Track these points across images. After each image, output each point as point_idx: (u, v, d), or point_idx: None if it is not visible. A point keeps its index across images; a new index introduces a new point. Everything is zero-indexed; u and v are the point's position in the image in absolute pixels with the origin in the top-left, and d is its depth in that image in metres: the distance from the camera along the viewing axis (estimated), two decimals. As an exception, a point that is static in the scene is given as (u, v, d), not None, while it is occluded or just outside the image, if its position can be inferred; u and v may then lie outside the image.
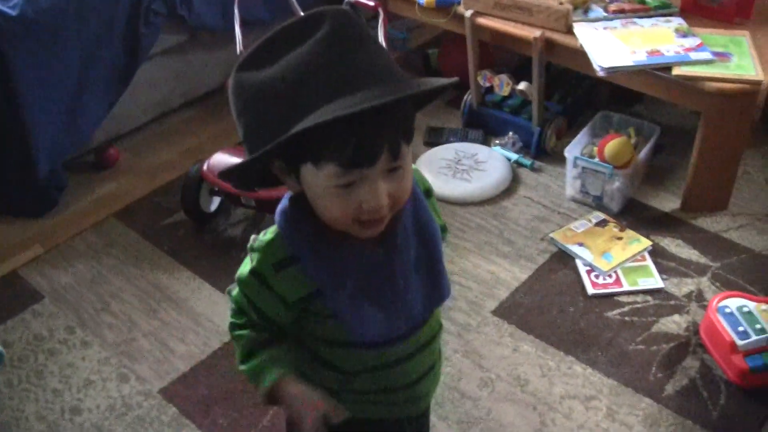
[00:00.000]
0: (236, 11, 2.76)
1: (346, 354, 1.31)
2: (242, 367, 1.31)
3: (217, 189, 2.66)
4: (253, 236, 1.27)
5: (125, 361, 2.32)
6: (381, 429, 1.43)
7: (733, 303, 2.28)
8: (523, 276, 2.54)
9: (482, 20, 2.89)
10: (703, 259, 2.57)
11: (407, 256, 1.25)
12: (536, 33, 2.76)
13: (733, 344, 2.16)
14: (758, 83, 2.47)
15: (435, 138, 3.11)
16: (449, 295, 1.33)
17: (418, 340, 1.33)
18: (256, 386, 1.29)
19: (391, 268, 1.24)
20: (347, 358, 1.32)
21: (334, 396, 1.29)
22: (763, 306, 2.27)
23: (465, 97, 3.16)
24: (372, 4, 2.77)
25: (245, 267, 1.25)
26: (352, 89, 1.05)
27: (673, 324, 2.35)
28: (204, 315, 2.44)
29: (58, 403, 2.21)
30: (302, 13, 2.60)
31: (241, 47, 2.79)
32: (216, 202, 2.75)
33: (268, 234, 1.23)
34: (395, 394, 1.38)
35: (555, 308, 2.42)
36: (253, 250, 1.24)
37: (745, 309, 2.26)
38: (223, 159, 2.61)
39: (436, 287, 1.31)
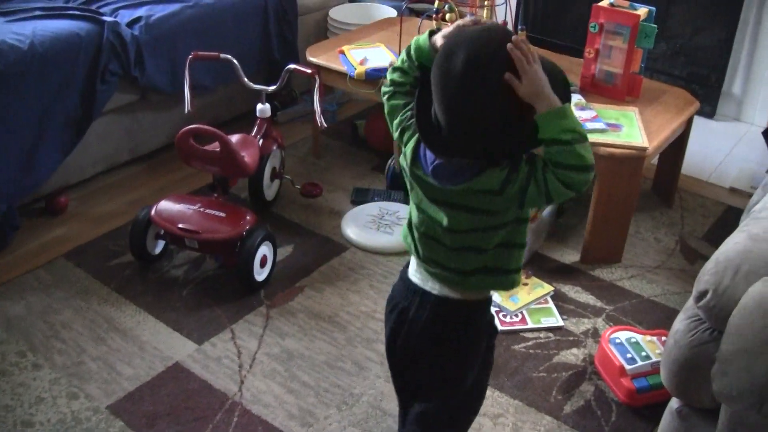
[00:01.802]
0: (187, 74, 3.05)
1: None
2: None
3: (162, 232, 2.90)
4: None
5: (75, 381, 2.50)
6: None
7: (623, 335, 2.60)
8: (440, 316, 2.82)
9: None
10: (599, 303, 2.90)
11: None
12: (453, 103, 3.10)
13: (622, 369, 2.47)
14: (644, 149, 2.85)
15: (361, 197, 3.42)
16: None
17: None
18: (418, 46, 1.67)
19: None
20: None
21: None
22: (648, 337, 2.60)
23: (389, 163, 3.48)
24: (309, 71, 3.09)
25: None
26: None
27: (572, 356, 2.66)
28: (149, 343, 2.65)
29: (10, 417, 2.37)
30: (245, 80, 2.93)
31: (190, 108, 3.07)
32: (161, 245, 2.98)
33: None
34: None
35: (468, 342, 2.70)
36: None
37: (633, 340, 2.58)
38: (170, 206, 2.86)
39: None
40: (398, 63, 1.73)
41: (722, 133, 4.14)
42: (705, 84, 4.22)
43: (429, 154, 1.59)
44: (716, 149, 3.97)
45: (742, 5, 4.02)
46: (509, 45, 1.48)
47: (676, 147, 3.27)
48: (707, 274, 1.95)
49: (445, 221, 1.63)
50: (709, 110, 4.18)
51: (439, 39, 1.61)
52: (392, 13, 4.32)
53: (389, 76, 1.75)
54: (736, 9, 4.04)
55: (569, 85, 1.59)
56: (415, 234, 1.74)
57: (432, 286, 1.73)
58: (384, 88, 1.76)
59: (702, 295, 1.93)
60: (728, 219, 3.42)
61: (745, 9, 4.04)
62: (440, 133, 1.54)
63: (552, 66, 1.56)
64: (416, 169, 1.63)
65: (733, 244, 2.02)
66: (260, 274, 2.87)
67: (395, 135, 1.72)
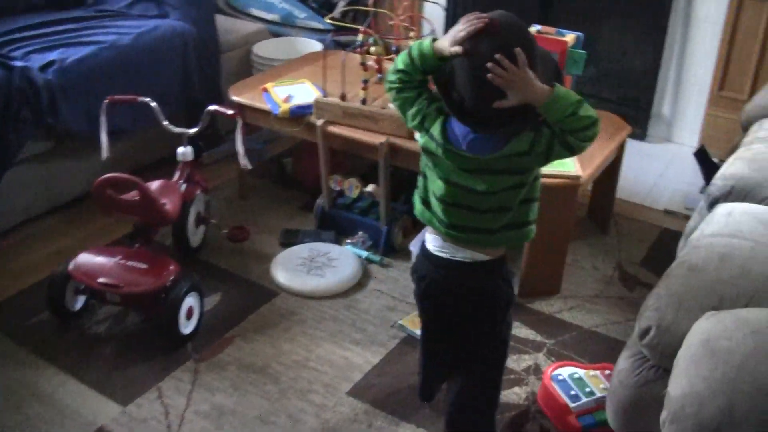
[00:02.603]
0: (103, 119, 2.91)
1: None
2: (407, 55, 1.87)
3: (82, 287, 2.75)
4: None
5: (-11, 455, 2.35)
6: None
7: (565, 371, 2.52)
8: (375, 360, 2.71)
9: (332, 128, 3.14)
10: (539, 338, 2.82)
11: None
12: (381, 139, 3.02)
13: (566, 407, 2.39)
14: (577, 178, 2.79)
15: (290, 239, 3.30)
16: None
17: None
18: (421, 53, 1.84)
19: None
20: None
21: None
22: (591, 372, 2.52)
23: (318, 201, 3.37)
24: (230, 112, 2.98)
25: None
26: None
27: (514, 395, 2.57)
28: (70, 407, 2.49)
29: None
30: (166, 123, 2.81)
31: (107, 154, 2.93)
32: (81, 300, 2.83)
33: None
34: None
35: (406, 387, 2.59)
36: None
37: (576, 375, 2.50)
38: (89, 259, 2.72)
39: None
40: (400, 65, 1.90)
41: (654, 154, 4.13)
42: (635, 106, 4.21)
43: (460, 131, 1.85)
44: (649, 171, 3.95)
45: (667, 27, 4.02)
46: (489, 74, 1.71)
47: (610, 172, 3.22)
48: (649, 309, 1.89)
49: (480, 186, 1.87)
50: (639, 132, 4.17)
51: (443, 44, 1.79)
52: (317, 46, 4.23)
53: (391, 77, 1.93)
54: (662, 31, 4.04)
55: (560, 69, 1.94)
56: (440, 206, 1.95)
57: (463, 256, 1.98)
58: (390, 84, 1.94)
59: (645, 332, 1.86)
60: (664, 242, 3.39)
61: (671, 31, 4.04)
62: (469, 112, 1.79)
63: (546, 53, 1.88)
64: (449, 146, 1.86)
65: (673, 277, 1.96)
66: (187, 327, 2.73)
67: (413, 123, 1.94)
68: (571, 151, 1.84)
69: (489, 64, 1.69)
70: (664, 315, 1.85)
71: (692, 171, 3.90)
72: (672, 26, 4.02)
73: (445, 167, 1.91)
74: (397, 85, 1.93)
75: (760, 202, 2.41)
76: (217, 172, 3.82)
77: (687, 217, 3.54)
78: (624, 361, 1.95)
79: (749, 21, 3.80)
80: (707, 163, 3.44)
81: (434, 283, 2.06)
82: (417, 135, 1.99)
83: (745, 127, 3.08)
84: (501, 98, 1.73)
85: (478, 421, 2.24)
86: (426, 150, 1.93)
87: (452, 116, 1.85)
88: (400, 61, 1.89)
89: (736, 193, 2.45)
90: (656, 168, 4.01)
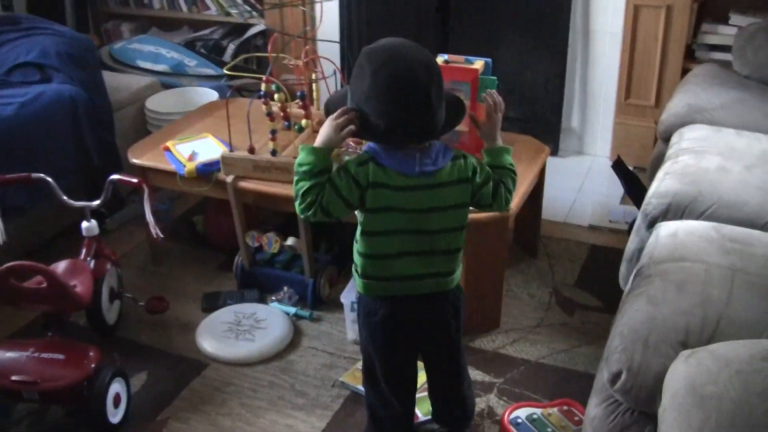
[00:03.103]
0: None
1: None
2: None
3: (-6, 388, 2.52)
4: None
5: None
6: None
7: (523, 413, 2.43)
8: (322, 424, 2.56)
9: (244, 184, 2.98)
10: (487, 378, 2.71)
11: None
12: (298, 189, 2.88)
13: (530, 452, 2.29)
14: (507, 209, 2.70)
15: (212, 303, 3.12)
16: None
17: None
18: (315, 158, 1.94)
19: None
20: None
21: None
22: (549, 410, 2.43)
23: (236, 259, 3.21)
24: (135, 181, 2.79)
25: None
26: None
27: (472, 443, 2.46)
28: None
29: None
30: (64, 198, 2.61)
31: (4, 238, 2.72)
32: (-7, 402, 2.60)
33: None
34: None
35: (359, 449, 2.46)
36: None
37: (534, 416, 2.40)
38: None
39: None
40: (306, 185, 1.96)
41: (569, 169, 4.09)
42: (544, 122, 4.17)
43: (399, 160, 1.93)
44: (566, 187, 3.91)
45: (567, 39, 3.99)
46: (484, 94, 2.10)
47: (533, 195, 3.14)
48: (615, 352, 1.79)
49: (434, 203, 1.98)
50: (551, 147, 4.10)
51: (329, 138, 1.94)
52: (213, 94, 4.06)
53: (303, 191, 1.96)
54: (562, 45, 4.02)
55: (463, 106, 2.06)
56: (392, 264, 2.04)
57: (427, 288, 2.09)
58: (307, 203, 1.97)
59: (615, 376, 1.77)
60: (595, 259, 3.34)
61: (572, 44, 4.01)
62: (405, 129, 1.88)
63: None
64: (404, 181, 1.93)
65: (634, 311, 1.88)
66: (115, 416, 2.53)
67: (355, 196, 1.96)
68: (494, 199, 2.08)
69: (487, 90, 2.11)
70: (632, 356, 1.76)
71: (609, 182, 3.89)
72: (572, 39, 4.00)
73: (397, 215, 1.98)
74: (312, 195, 1.96)
75: (698, 217, 2.36)
76: (124, 238, 3.61)
77: (612, 230, 3.53)
78: (595, 408, 1.85)
79: (647, 28, 3.81)
80: (625, 174, 3.41)
81: (392, 316, 2.11)
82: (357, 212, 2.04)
83: (665, 138, 3.05)
84: (430, 106, 1.86)
85: (471, 396, 2.37)
86: (375, 208, 1.97)
87: (387, 148, 1.94)
88: (302, 182, 1.96)
89: (674, 210, 2.40)
90: (573, 183, 3.97)
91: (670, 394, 1.54)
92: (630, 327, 1.81)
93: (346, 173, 1.94)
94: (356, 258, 2.10)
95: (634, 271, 2.18)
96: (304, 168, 1.95)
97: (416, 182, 1.95)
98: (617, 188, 3.76)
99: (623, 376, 1.74)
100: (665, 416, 1.51)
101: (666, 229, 2.24)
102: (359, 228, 2.04)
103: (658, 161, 3.07)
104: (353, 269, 2.14)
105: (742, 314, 1.83)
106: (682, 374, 1.55)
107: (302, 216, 1.99)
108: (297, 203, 1.98)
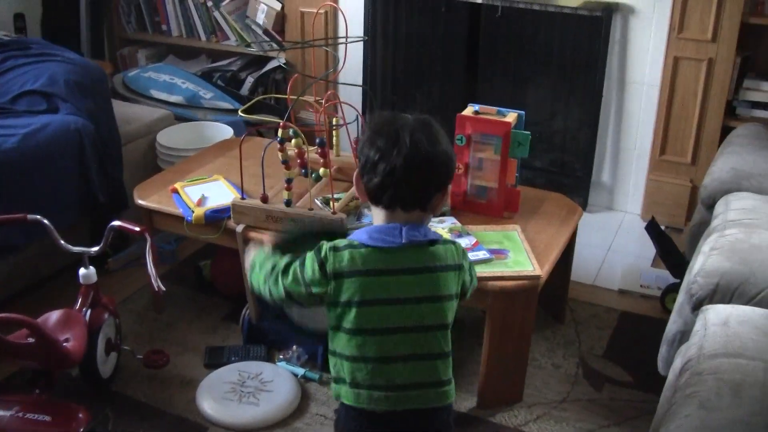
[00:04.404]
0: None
1: None
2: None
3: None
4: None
5: None
6: None
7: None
8: (328, 503, 2.36)
9: (255, 234, 2.78)
10: (508, 460, 2.51)
11: None
12: (312, 243, 2.68)
13: None
14: (537, 278, 2.50)
15: (216, 359, 2.92)
16: None
17: None
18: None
19: None
20: None
21: None
22: (577, 506, 2.21)
23: (243, 312, 3.01)
24: (137, 229, 2.61)
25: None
26: None
27: None
28: None
29: None
30: (62, 242, 2.43)
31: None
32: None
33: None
34: None
35: None
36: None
37: None
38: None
39: None
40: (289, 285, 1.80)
41: (598, 226, 3.89)
42: (572, 175, 3.97)
43: (383, 231, 1.74)
44: (595, 245, 3.70)
45: (602, 89, 3.80)
46: None
47: (563, 258, 2.94)
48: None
49: (426, 292, 1.76)
50: (580, 201, 3.92)
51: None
52: (228, 131, 3.88)
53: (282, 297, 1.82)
54: (596, 95, 3.82)
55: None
56: (382, 398, 1.76)
57: (419, 403, 1.80)
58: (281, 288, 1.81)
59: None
60: (625, 328, 3.13)
61: (606, 95, 3.82)
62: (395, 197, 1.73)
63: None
64: (389, 259, 1.73)
65: (685, 417, 1.67)
66: (104, 486, 2.34)
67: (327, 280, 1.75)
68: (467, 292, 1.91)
69: None
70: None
71: (640, 241, 3.69)
72: (607, 89, 3.80)
73: (383, 311, 1.74)
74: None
75: (749, 300, 2.15)
76: (126, 279, 3.42)
77: (644, 296, 3.32)
78: None
79: (686, 81, 3.62)
80: (659, 236, 3.21)
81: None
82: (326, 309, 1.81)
83: (708, 204, 2.84)
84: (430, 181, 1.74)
85: None
86: (350, 301, 1.74)
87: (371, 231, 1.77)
88: (277, 283, 1.82)
89: (722, 292, 2.19)
90: (602, 240, 3.77)
91: None
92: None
93: (315, 255, 1.76)
94: (337, 362, 1.82)
95: (682, 362, 1.97)
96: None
97: (403, 260, 1.74)
98: (649, 249, 3.56)
99: (674, 498, 1.54)
100: None
101: (715, 315, 2.03)
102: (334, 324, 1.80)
103: (700, 229, 2.86)
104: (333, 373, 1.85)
105: (808, 425, 1.62)
106: None
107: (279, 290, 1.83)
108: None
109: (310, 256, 1.76)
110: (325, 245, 1.75)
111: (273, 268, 1.83)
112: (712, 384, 1.73)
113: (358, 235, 1.76)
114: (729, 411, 1.65)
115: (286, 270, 1.80)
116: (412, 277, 1.74)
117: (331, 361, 1.82)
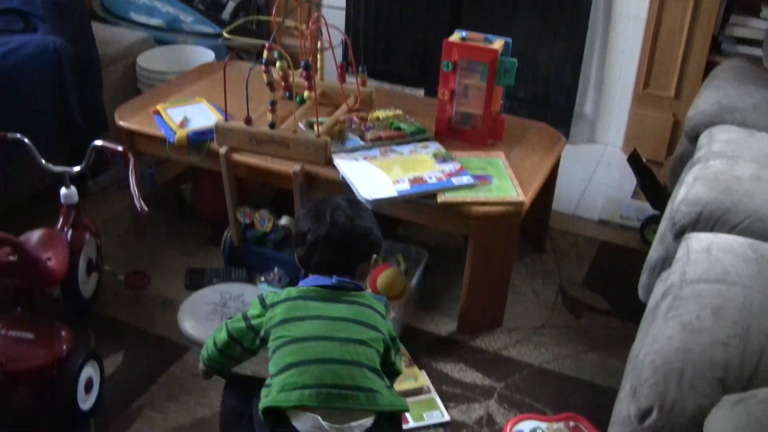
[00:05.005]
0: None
1: None
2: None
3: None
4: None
5: None
6: None
7: (527, 426, 2.27)
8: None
9: (238, 156, 2.77)
10: (487, 381, 2.54)
11: None
12: (296, 167, 2.68)
13: (533, 471, 2.12)
14: (520, 204, 2.51)
15: (197, 280, 2.92)
16: None
17: None
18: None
19: None
20: None
21: None
22: (555, 425, 2.26)
23: (225, 235, 3.01)
24: (119, 149, 2.58)
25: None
26: None
27: (469, 456, 2.29)
28: None
29: None
30: (42, 162, 2.39)
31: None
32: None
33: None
34: None
35: None
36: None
37: (539, 431, 2.23)
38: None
39: None
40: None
41: (579, 157, 3.89)
42: (555, 107, 3.96)
43: (322, 281, 1.90)
44: (576, 176, 3.72)
45: (588, 20, 3.77)
46: None
47: (545, 188, 2.95)
48: (646, 386, 1.61)
49: (355, 317, 1.85)
50: (562, 132, 3.88)
51: None
52: (209, 55, 3.84)
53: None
54: (582, 28, 3.79)
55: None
56: (313, 394, 1.74)
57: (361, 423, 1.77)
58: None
59: (645, 413, 1.59)
60: (605, 258, 3.17)
61: (592, 28, 3.80)
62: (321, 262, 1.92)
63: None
64: (321, 294, 1.88)
65: (666, 339, 1.69)
66: (86, 402, 2.34)
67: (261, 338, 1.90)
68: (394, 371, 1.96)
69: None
70: (665, 391, 1.58)
71: (621, 173, 3.72)
72: (593, 21, 3.78)
73: (310, 336, 1.81)
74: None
75: (731, 230, 2.17)
76: (106, 202, 3.40)
77: (623, 227, 3.35)
78: (618, 445, 1.68)
79: (673, 15, 3.59)
80: (641, 168, 3.22)
81: None
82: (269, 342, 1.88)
83: (692, 136, 2.85)
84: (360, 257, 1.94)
85: None
86: (282, 320, 1.85)
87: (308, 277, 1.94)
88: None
89: (704, 221, 2.21)
90: (583, 172, 3.78)
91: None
92: (663, 357, 1.63)
93: (258, 297, 1.92)
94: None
95: (663, 288, 1.99)
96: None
97: (334, 295, 1.88)
98: (629, 181, 3.58)
99: (654, 414, 1.56)
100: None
101: (698, 242, 2.05)
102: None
103: (682, 161, 2.88)
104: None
105: (785, 349, 1.65)
106: (730, 425, 1.37)
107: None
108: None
109: (254, 300, 1.93)
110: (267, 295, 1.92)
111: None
112: (693, 307, 1.76)
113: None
114: (710, 333, 1.68)
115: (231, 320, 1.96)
116: (342, 305, 1.87)
117: (263, 392, 1.81)
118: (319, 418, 1.72)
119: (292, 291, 1.88)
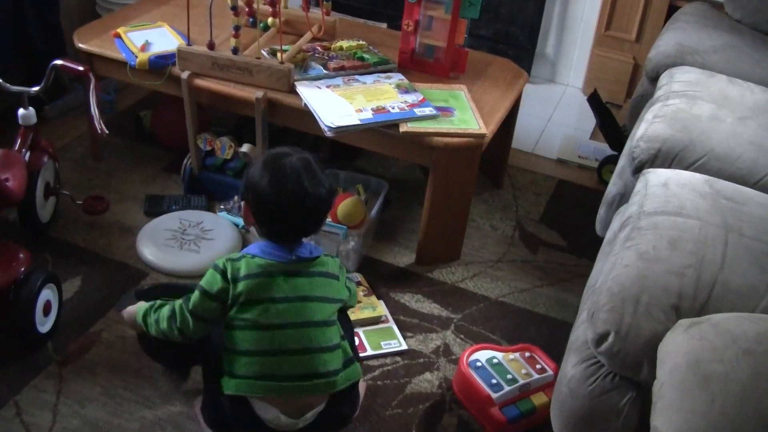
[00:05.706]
0: None
1: None
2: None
3: None
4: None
5: None
6: None
7: (483, 356, 2.29)
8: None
9: (200, 81, 2.75)
10: (444, 312, 2.58)
11: None
12: (258, 94, 2.66)
13: (489, 398, 2.16)
14: (482, 136, 2.53)
15: (155, 207, 2.91)
16: None
17: None
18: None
19: None
20: None
21: None
22: (511, 355, 2.30)
23: (184, 162, 2.99)
24: (80, 68, 2.54)
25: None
26: None
27: (426, 383, 2.32)
28: None
29: None
30: (0, 81, 2.34)
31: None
32: None
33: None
34: None
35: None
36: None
37: (495, 360, 2.27)
38: None
39: None
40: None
41: (540, 97, 3.92)
42: (516, 45, 3.97)
43: (280, 253, 1.89)
44: (536, 115, 3.75)
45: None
46: None
47: (505, 124, 2.97)
48: (603, 311, 1.65)
49: (313, 292, 1.89)
50: (522, 72, 3.94)
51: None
52: (169, -20, 3.77)
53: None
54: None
55: None
56: (276, 388, 1.84)
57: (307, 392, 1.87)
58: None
59: (601, 338, 1.63)
60: (561, 195, 3.21)
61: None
62: (288, 230, 1.90)
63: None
64: (282, 269, 1.87)
65: (624, 267, 1.73)
66: (44, 325, 2.33)
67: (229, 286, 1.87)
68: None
69: None
70: (622, 317, 1.62)
71: (580, 114, 3.75)
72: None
73: (274, 309, 1.84)
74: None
75: (688, 167, 2.22)
76: (63, 127, 3.35)
77: (581, 167, 3.39)
78: (573, 368, 1.72)
79: (637, -44, 3.61)
80: (600, 108, 3.26)
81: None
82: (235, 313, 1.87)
83: (652, 77, 2.88)
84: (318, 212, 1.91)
85: None
86: (242, 299, 1.85)
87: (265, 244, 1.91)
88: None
89: (663, 157, 2.24)
90: (543, 111, 3.81)
91: (668, 369, 1.40)
92: (620, 284, 1.67)
93: (214, 269, 1.88)
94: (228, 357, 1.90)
95: (621, 220, 2.03)
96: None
97: (293, 269, 1.88)
98: (588, 122, 3.62)
99: (610, 339, 1.61)
100: (663, 392, 1.37)
101: (656, 177, 2.09)
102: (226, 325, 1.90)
103: (642, 101, 2.92)
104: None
105: (737, 280, 1.70)
106: (683, 347, 1.41)
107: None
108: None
109: (209, 272, 1.87)
110: (221, 259, 1.88)
111: (170, 308, 1.93)
112: (650, 238, 1.80)
113: (251, 249, 1.91)
114: (666, 262, 1.72)
115: (185, 300, 1.90)
116: (300, 279, 1.88)
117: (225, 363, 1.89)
118: (280, 413, 1.85)
119: (251, 264, 1.85)
